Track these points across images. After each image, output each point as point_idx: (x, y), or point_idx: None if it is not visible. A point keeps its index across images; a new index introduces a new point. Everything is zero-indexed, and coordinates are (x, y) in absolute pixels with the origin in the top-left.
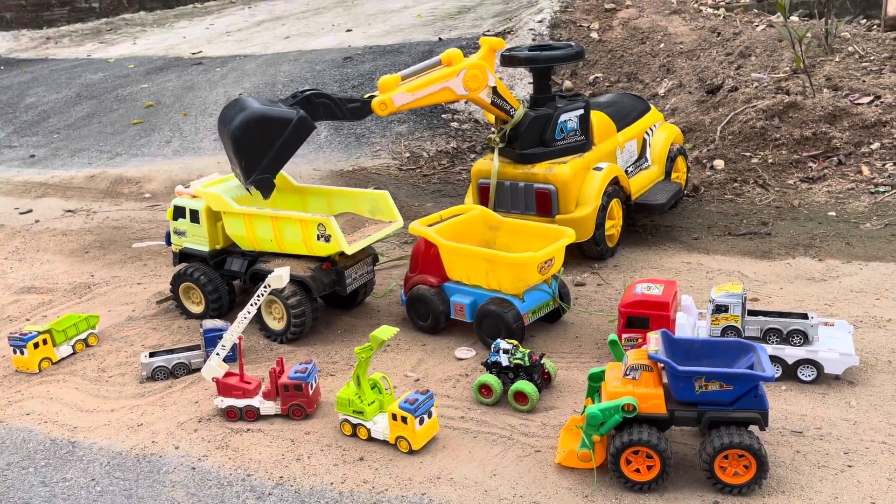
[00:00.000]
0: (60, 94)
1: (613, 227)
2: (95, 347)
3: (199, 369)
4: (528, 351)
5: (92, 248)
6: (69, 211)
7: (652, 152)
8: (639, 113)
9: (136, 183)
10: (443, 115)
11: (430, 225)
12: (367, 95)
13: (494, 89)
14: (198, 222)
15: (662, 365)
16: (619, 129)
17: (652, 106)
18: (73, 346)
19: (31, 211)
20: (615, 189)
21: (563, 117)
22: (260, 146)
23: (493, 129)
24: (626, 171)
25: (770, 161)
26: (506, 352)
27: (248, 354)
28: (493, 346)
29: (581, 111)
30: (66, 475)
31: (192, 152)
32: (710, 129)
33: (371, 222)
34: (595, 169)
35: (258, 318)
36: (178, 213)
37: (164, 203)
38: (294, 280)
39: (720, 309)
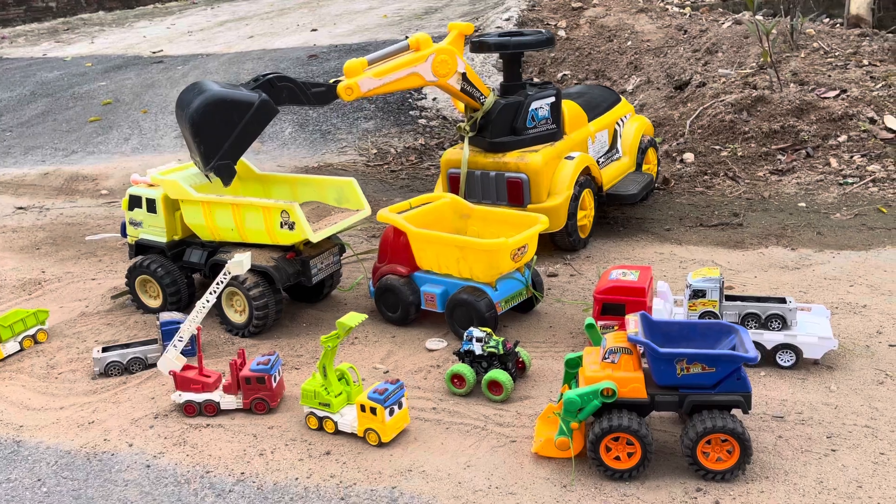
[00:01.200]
0: (14, 93)
1: (585, 217)
2: (45, 344)
3: (155, 364)
4: (503, 339)
5: (44, 244)
6: (20, 208)
7: (623, 143)
8: (609, 104)
9: (93, 180)
10: (410, 112)
11: (400, 213)
12: (332, 80)
13: (464, 75)
14: (154, 212)
15: (642, 347)
16: (590, 119)
17: (622, 97)
18: (20, 343)
19: None
20: (587, 179)
21: (533, 105)
22: (220, 131)
23: (462, 118)
24: (598, 162)
25: (740, 154)
26: (479, 340)
27: (208, 349)
28: (465, 334)
29: (552, 99)
30: (9, 475)
31: (152, 149)
32: (680, 124)
33: (337, 211)
34: (567, 158)
35: (219, 311)
36: (134, 202)
37: (119, 199)
38: (256, 270)
39: (697, 294)
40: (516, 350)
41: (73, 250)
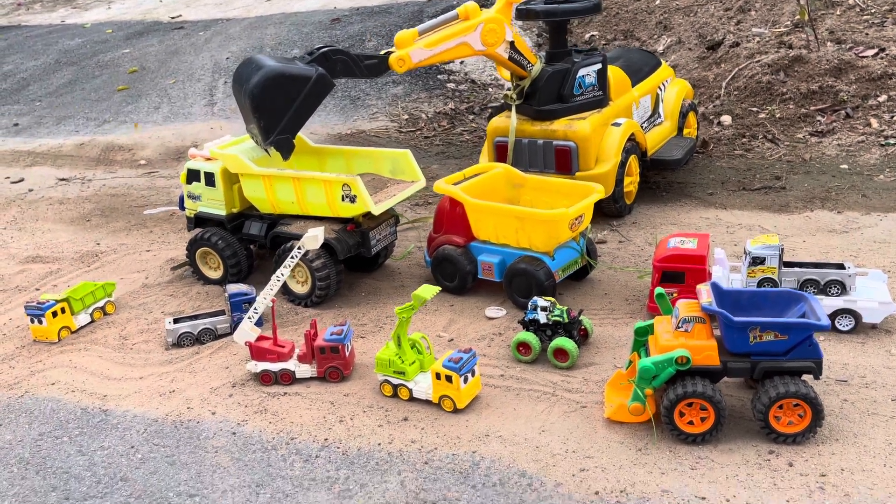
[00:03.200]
0: (38, 62)
1: (631, 183)
2: (114, 315)
3: (225, 335)
4: (566, 308)
5: (93, 215)
6: (62, 179)
7: (665, 108)
8: (651, 68)
9: (129, 150)
10: (439, 76)
11: (455, 184)
12: (383, 52)
13: (512, 44)
14: (213, 185)
15: (716, 316)
16: (633, 84)
17: (662, 61)
18: (90, 315)
19: (22, 180)
20: (633, 145)
21: (580, 72)
22: (279, 105)
23: (508, 86)
24: (642, 127)
25: (778, 116)
26: (543, 309)
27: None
28: (530, 303)
29: (599, 65)
30: (102, 443)
31: (183, 118)
32: (715, 85)
33: (393, 182)
34: (613, 125)
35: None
36: (192, 176)
37: (160, 170)
38: None
39: (757, 261)
40: (580, 318)
41: (123, 221)
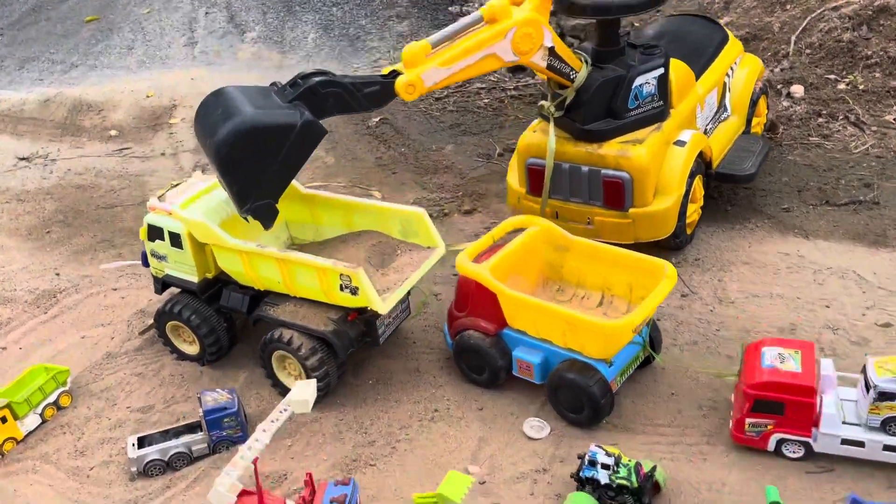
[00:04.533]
0: None
1: (696, 211)
2: (70, 412)
3: (202, 457)
4: (634, 463)
5: (53, 223)
6: (23, 159)
7: (732, 98)
8: (715, 47)
9: (99, 111)
10: (450, 8)
11: (483, 254)
12: (386, 70)
13: (552, 49)
14: (181, 248)
15: None
16: (697, 77)
17: (729, 33)
18: (41, 415)
19: None
20: (698, 165)
21: (638, 80)
22: (255, 165)
23: (544, 90)
24: (705, 131)
25: (861, 88)
26: (605, 467)
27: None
28: (587, 455)
29: (661, 70)
30: None
31: (160, 63)
32: (781, 39)
33: (403, 247)
34: (677, 144)
35: (271, 374)
36: (155, 233)
37: (133, 145)
38: (313, 335)
39: (884, 396)
40: (653, 475)
41: (88, 235)
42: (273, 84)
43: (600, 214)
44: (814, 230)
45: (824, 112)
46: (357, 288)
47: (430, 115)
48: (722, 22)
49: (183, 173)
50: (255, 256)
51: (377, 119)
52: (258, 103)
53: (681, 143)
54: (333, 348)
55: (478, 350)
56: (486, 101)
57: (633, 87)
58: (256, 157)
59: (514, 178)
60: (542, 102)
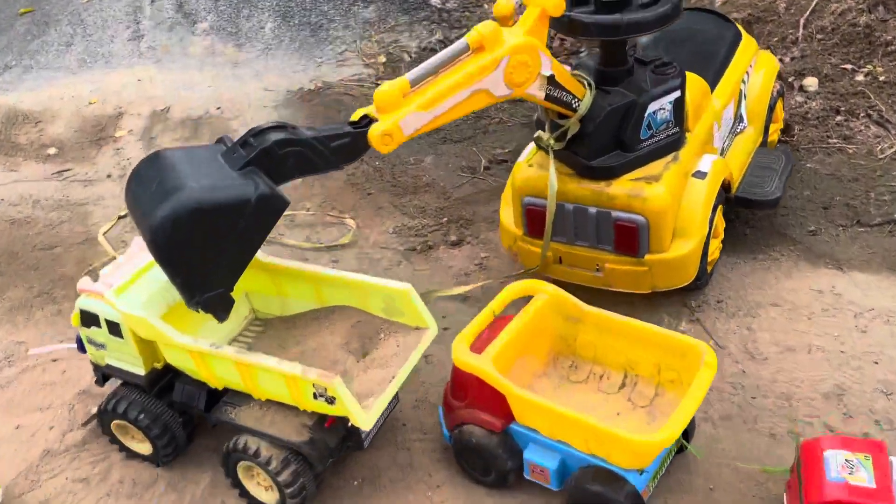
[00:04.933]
0: None
1: (717, 249)
2: None
3: None
4: None
5: None
6: None
7: (748, 106)
8: (728, 48)
9: (36, 123)
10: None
11: (482, 336)
12: (356, 116)
13: (551, 78)
14: (121, 336)
15: None
16: (712, 89)
17: (742, 30)
18: None
19: None
20: (719, 195)
21: (651, 107)
22: (203, 251)
23: (540, 116)
24: (722, 151)
25: (882, 79)
26: None
27: None
28: None
29: (677, 93)
30: None
31: (103, 61)
32: (788, 22)
33: (387, 327)
34: (696, 176)
35: (237, 484)
36: (89, 320)
37: (74, 166)
38: (284, 445)
39: None
40: None
41: (23, 287)
42: (220, 141)
43: (611, 261)
44: (847, 259)
45: (843, 108)
46: (334, 398)
47: None
48: (719, 3)
49: None
50: (209, 357)
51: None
52: (202, 173)
53: (701, 175)
54: (309, 460)
55: (481, 450)
56: None
57: (645, 114)
58: (204, 241)
59: (509, 218)
60: (540, 133)
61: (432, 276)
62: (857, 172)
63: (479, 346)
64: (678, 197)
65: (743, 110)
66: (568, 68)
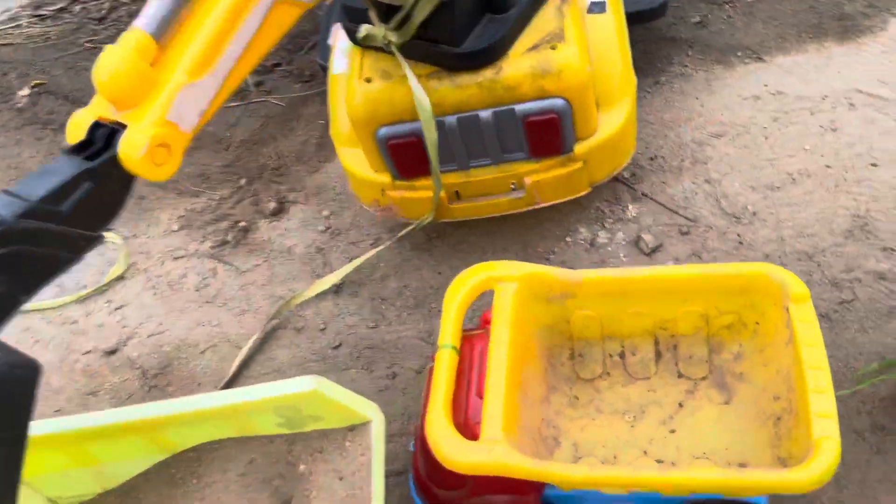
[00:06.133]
0: None
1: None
2: None
3: None
4: None
5: None
6: None
7: None
8: None
9: None
10: None
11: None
12: (77, 129)
13: None
14: None
15: None
16: None
17: None
18: None
19: None
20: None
21: None
22: None
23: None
24: None
25: None
26: None
27: None
28: None
29: None
30: None
31: None
32: None
33: (301, 449)
34: (592, 10)
35: None
36: None
37: None
38: None
39: None
40: None
41: None
42: None
43: (531, 171)
44: (757, 43)
45: None
46: None
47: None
48: None
49: None
50: None
51: (28, 89)
52: None
53: (599, 7)
54: None
55: None
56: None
57: None
58: None
59: (361, 163)
60: (365, 28)
61: (271, 269)
62: None
63: (457, 406)
64: (585, 50)
65: None
66: None
